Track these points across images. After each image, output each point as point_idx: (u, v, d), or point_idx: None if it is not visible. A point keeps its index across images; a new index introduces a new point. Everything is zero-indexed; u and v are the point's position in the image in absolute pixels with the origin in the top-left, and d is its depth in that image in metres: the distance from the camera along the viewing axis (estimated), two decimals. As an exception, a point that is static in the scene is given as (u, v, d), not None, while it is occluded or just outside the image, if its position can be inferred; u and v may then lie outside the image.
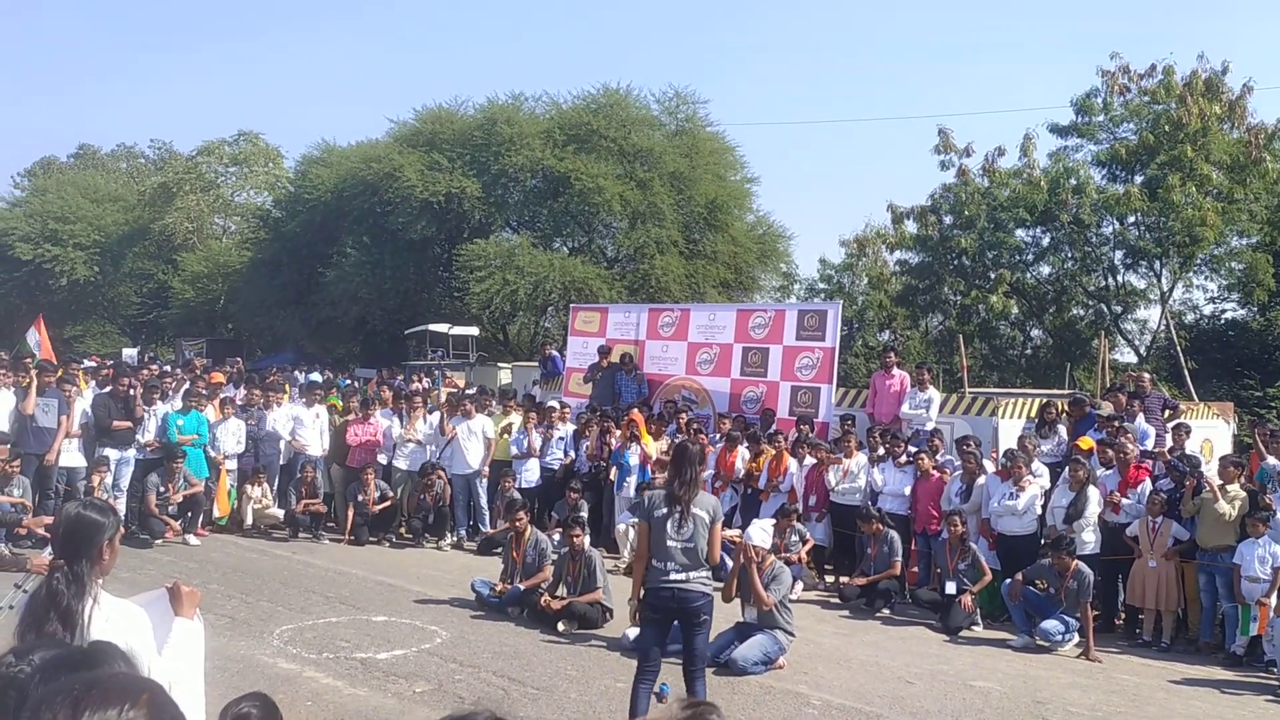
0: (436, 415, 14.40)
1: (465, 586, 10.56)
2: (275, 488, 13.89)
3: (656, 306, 16.77)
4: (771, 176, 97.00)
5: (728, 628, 8.55)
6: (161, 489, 12.37)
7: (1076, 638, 9.82)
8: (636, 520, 6.72)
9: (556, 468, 14.21)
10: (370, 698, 7.22)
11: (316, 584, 10.78)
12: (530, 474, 14.05)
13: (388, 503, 13.48)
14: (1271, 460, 10.86)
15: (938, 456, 11.95)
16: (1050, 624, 9.71)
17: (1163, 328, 26.68)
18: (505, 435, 14.31)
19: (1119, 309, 27.00)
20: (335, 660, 8.07)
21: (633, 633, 8.65)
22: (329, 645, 8.44)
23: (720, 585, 7.66)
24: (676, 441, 7.44)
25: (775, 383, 14.38)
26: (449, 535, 13.64)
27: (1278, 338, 26.68)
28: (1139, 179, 24.24)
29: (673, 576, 6.27)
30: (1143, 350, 27.54)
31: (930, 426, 12.99)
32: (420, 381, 21.72)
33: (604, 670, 8.16)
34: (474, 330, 30.35)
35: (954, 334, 26.70)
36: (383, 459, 14.09)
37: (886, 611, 11.01)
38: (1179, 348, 24.59)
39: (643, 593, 6.47)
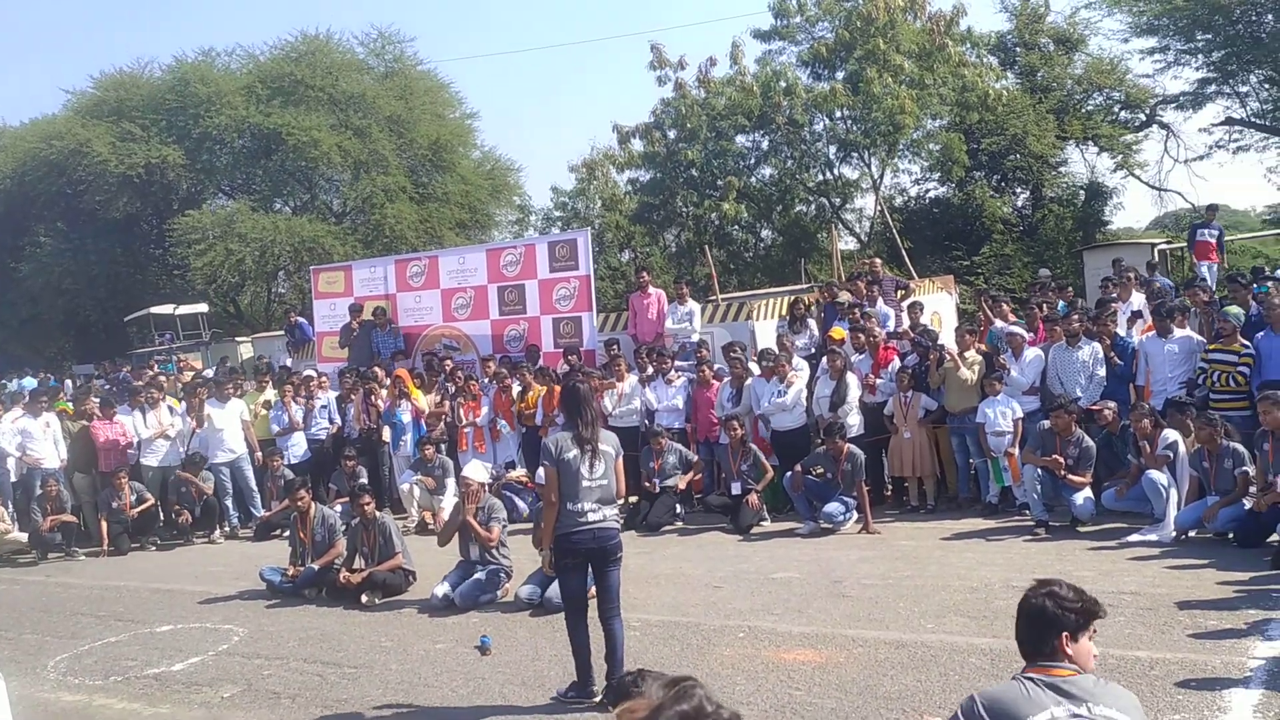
0: (182, 404, 13.52)
1: (252, 578, 10.07)
2: (10, 509, 12.68)
3: (403, 258, 16.27)
4: (496, 110, 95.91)
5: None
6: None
7: (855, 515, 10.47)
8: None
9: (324, 438, 13.72)
10: (176, 713, 6.76)
11: (83, 604, 9.96)
12: (297, 449, 13.50)
13: (146, 505, 12.58)
14: (999, 323, 11.83)
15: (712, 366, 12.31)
16: (832, 506, 10.30)
17: (878, 213, 28.36)
18: (264, 412, 13.63)
19: (839, 201, 28.51)
20: (125, 682, 7.48)
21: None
22: (114, 667, 7.83)
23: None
24: (564, 384, 7.24)
25: (536, 318, 14.34)
26: (221, 527, 12.92)
27: (976, 209, 28.93)
28: (840, 75, 25.48)
29: (590, 517, 6.16)
30: (863, 236, 29.24)
31: (696, 338, 13.34)
32: (153, 369, 20.25)
33: (420, 635, 8.00)
34: (203, 307, 28.57)
35: (693, 245, 27.47)
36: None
37: (680, 523, 11.36)
38: (894, 230, 26.18)
39: (556, 540, 6.26)
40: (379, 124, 30.36)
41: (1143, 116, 30.39)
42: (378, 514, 9.34)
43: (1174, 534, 8.83)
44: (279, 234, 28.34)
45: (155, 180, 28.98)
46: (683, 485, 11.37)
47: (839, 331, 12.16)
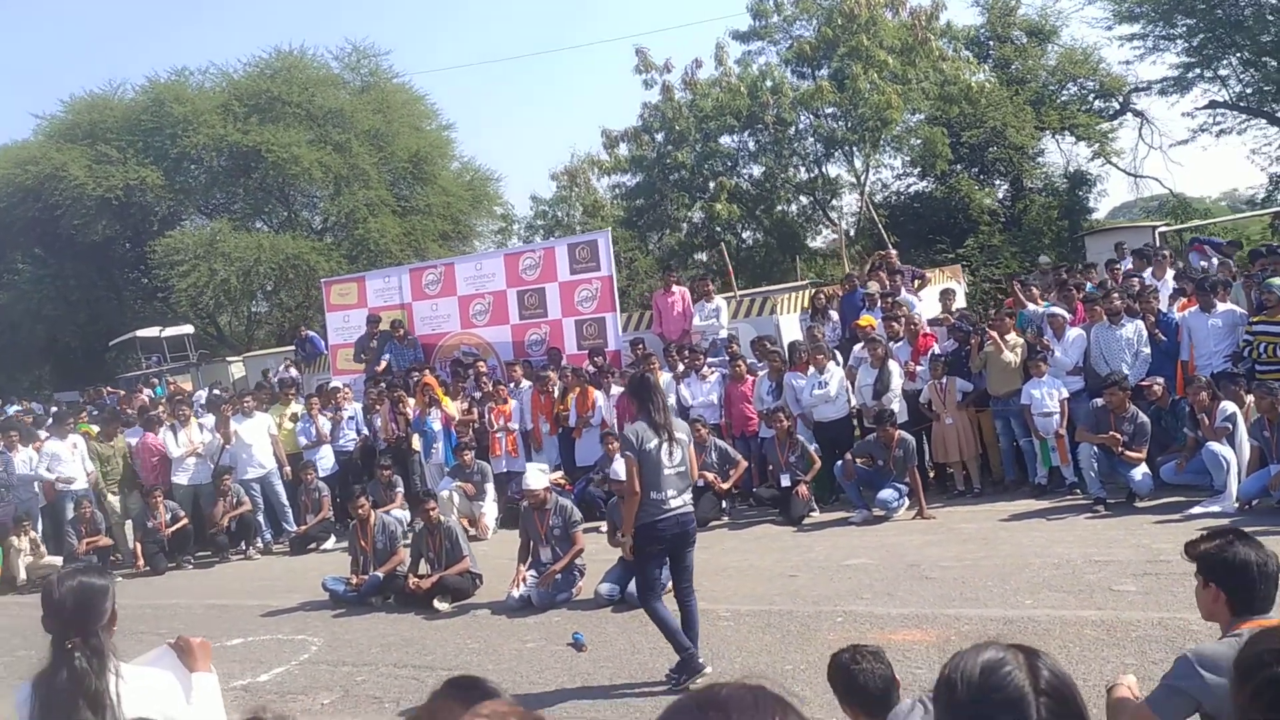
0: (210, 420, 13.32)
1: (304, 591, 9.96)
2: (41, 533, 12.43)
3: (417, 266, 16.14)
4: (481, 120, 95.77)
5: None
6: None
7: (907, 502, 10.50)
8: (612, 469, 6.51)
9: (352, 449, 13.55)
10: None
11: (139, 623, 9.73)
12: (325, 461, 13.31)
13: (180, 524, 12.38)
14: (1031, 306, 11.92)
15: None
16: (886, 493, 10.32)
17: (863, 209, 28.53)
18: (290, 425, 13.46)
19: (826, 198, 28.66)
20: (212, 697, 7.35)
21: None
22: (195, 683, 7.68)
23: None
24: (632, 375, 7.33)
25: (558, 320, 14.26)
26: (255, 542, 12.74)
27: (959, 203, 29.21)
28: (824, 72, 25.64)
29: (673, 504, 6.31)
30: (851, 233, 29.40)
31: (724, 334, 13.34)
32: (142, 393, 19.94)
33: (505, 635, 7.93)
34: (188, 328, 28.17)
35: (685, 248, 27.53)
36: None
37: (726, 518, 11.34)
38: (880, 225, 26.36)
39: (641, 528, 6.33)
40: (358, 138, 30.14)
41: (1117, 105, 30.88)
42: (442, 518, 9.24)
43: (1237, 504, 8.93)
44: (262, 252, 28.05)
45: (134, 202, 28.58)
46: (727, 487, 11.29)
47: (869, 320, 12.20)
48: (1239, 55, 24.91)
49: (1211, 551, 3.62)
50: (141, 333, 27.21)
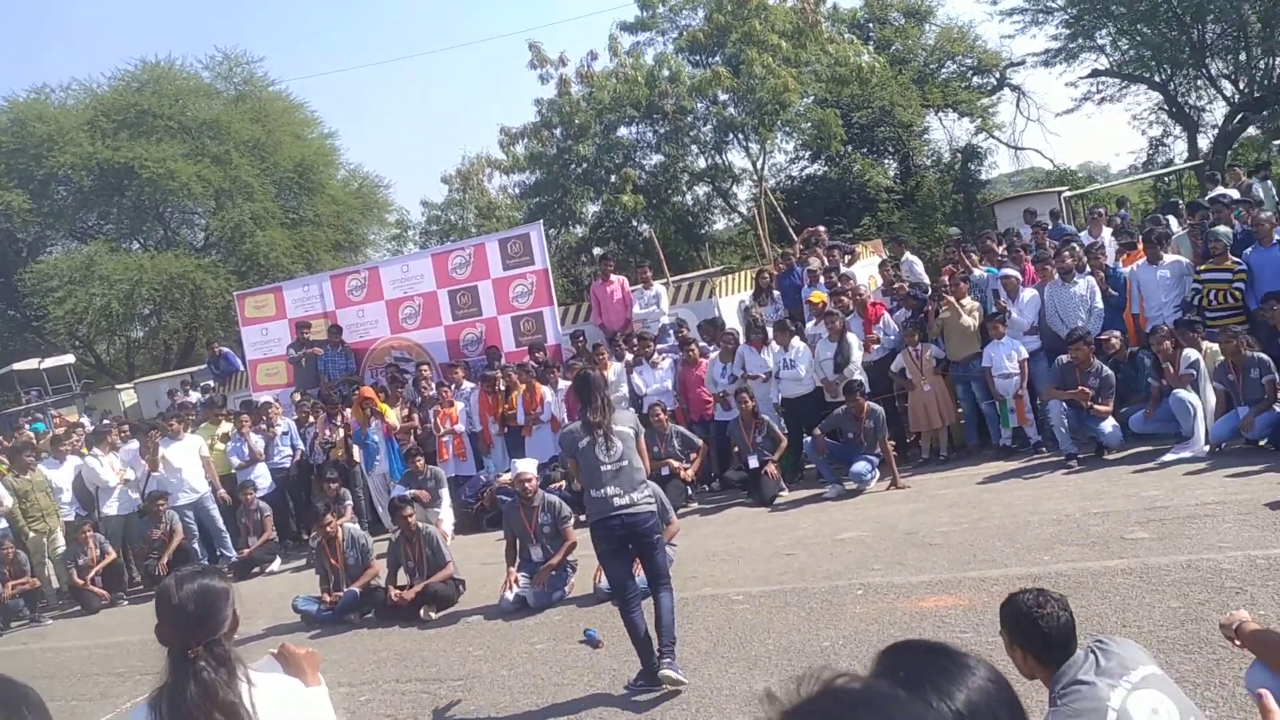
0: (134, 444, 12.51)
1: (266, 616, 9.39)
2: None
3: (339, 273, 15.45)
4: (367, 127, 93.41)
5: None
6: None
7: (878, 474, 10.44)
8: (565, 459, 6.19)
9: (288, 466, 12.90)
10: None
11: (90, 665, 9.05)
12: (262, 480, 12.62)
13: (110, 558, 11.56)
14: (977, 271, 12.01)
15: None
16: (860, 466, 10.24)
17: (761, 193, 28.68)
18: (220, 446, 12.74)
19: (727, 184, 28.72)
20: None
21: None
22: None
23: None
24: (576, 373, 6.92)
25: (493, 318, 13.82)
26: (193, 572, 11.98)
27: (853, 182, 29.66)
28: (718, 59, 25.62)
29: (617, 502, 5.96)
30: (753, 217, 29.55)
31: (665, 320, 13.12)
32: (25, 428, 18.70)
33: (509, 639, 7.55)
34: (69, 358, 26.69)
35: (590, 242, 27.20)
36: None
37: (694, 504, 11.11)
38: (779, 208, 26.52)
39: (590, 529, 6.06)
40: (237, 149, 28.95)
41: (994, 80, 31.76)
42: (421, 525, 8.78)
43: (1207, 448, 9.09)
44: (144, 273, 26.68)
45: (-1, 229, 26.93)
46: (691, 475, 11.06)
47: (819, 295, 12.15)
48: (1116, 25, 25.82)
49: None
50: (19, 365, 25.62)
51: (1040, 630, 3.17)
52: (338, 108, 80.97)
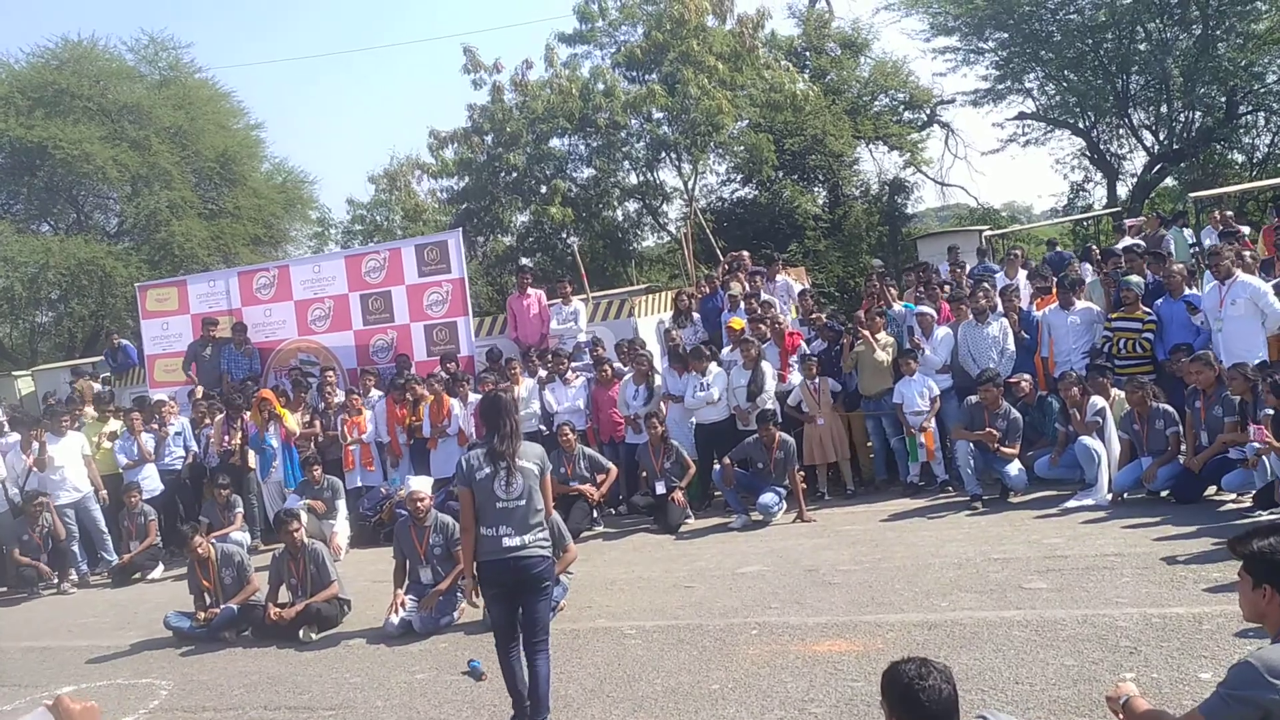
0: (14, 437, 11.90)
1: (139, 628, 9.00)
2: None
3: (247, 270, 14.96)
4: (295, 121, 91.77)
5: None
6: None
7: (785, 505, 10.32)
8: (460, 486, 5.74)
9: (179, 468, 12.39)
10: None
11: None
12: (149, 482, 12.08)
13: (-21, 559, 10.98)
14: (897, 306, 11.97)
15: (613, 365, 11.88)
16: (767, 497, 10.10)
17: (691, 213, 28.64)
18: (108, 444, 12.19)
19: (657, 202, 28.61)
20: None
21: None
22: (24, 744, 6.66)
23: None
24: (485, 394, 6.44)
25: (405, 325, 13.46)
26: (69, 575, 11.43)
27: (782, 208, 29.72)
28: (654, 77, 25.55)
29: (506, 543, 5.47)
30: (678, 235, 29.47)
31: (583, 337, 12.89)
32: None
33: (389, 666, 7.22)
34: (-36, 342, 25.56)
35: (516, 252, 26.86)
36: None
37: (599, 528, 10.89)
38: (708, 229, 26.44)
39: (475, 567, 5.70)
40: (158, 135, 28.10)
41: (925, 116, 32.17)
42: (307, 541, 8.41)
43: (1109, 497, 9.13)
44: (50, 256, 25.73)
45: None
46: (599, 495, 10.83)
47: (738, 321, 12.02)
48: (1044, 70, 26.31)
49: (1265, 551, 3.41)
50: (-91, 348, 24.47)
51: (921, 703, 2.99)
52: (268, 101, 79.55)
